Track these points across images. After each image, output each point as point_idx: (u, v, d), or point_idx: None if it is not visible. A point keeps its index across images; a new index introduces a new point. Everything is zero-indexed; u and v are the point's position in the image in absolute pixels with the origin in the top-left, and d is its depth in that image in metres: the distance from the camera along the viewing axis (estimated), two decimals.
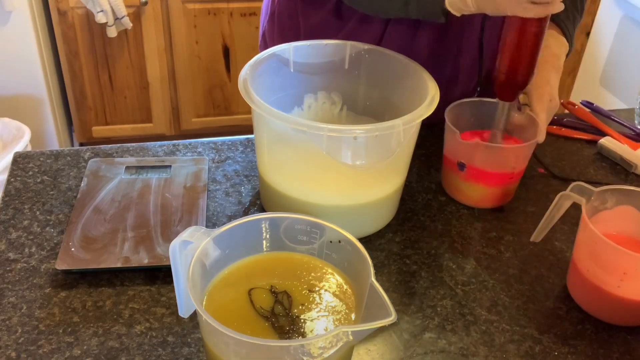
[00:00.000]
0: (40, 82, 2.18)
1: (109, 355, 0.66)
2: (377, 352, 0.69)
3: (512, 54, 0.82)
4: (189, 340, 0.68)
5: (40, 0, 2.19)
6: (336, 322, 0.60)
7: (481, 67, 0.97)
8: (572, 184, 0.75)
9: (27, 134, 1.98)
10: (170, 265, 0.77)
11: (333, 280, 0.64)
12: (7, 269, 0.76)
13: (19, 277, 0.74)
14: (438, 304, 0.75)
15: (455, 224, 0.88)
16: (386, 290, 0.76)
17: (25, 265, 0.76)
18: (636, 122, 1.15)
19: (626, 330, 0.73)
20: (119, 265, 0.75)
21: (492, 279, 0.79)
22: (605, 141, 1.05)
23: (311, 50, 0.91)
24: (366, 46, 0.91)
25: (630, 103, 2.06)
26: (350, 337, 0.53)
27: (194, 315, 0.71)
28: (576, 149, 1.06)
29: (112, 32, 2.16)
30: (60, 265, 0.74)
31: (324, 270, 0.65)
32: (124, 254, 0.76)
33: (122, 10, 2.12)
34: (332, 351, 0.54)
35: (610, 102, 2.24)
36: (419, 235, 0.85)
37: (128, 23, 2.18)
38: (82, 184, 0.88)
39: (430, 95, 0.79)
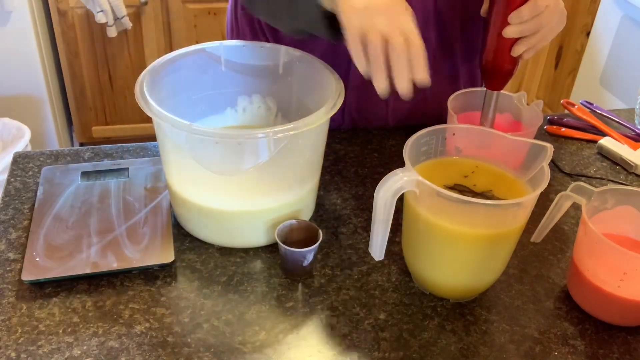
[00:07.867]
0: (40, 82, 2.17)
1: (109, 356, 0.66)
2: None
3: (496, 43, 0.82)
4: (189, 340, 0.68)
5: (40, 0, 2.19)
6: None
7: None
8: (572, 184, 0.75)
9: (27, 134, 1.97)
10: (140, 267, 0.76)
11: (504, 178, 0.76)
12: (7, 269, 0.76)
13: (19, 277, 0.74)
14: (438, 304, 0.75)
15: None
16: (386, 290, 0.76)
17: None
18: (636, 122, 1.15)
19: (626, 330, 0.74)
20: (87, 271, 0.74)
21: None
22: (605, 141, 1.05)
23: (245, 51, 0.90)
24: (298, 52, 0.88)
25: (630, 103, 2.06)
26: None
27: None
28: (576, 149, 1.06)
29: (112, 32, 2.16)
30: (26, 276, 0.73)
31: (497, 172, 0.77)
32: (92, 260, 0.75)
33: (122, 10, 2.12)
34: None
35: (610, 102, 2.24)
36: None
37: (128, 23, 2.17)
38: (38, 193, 0.86)
39: (328, 105, 0.75)
